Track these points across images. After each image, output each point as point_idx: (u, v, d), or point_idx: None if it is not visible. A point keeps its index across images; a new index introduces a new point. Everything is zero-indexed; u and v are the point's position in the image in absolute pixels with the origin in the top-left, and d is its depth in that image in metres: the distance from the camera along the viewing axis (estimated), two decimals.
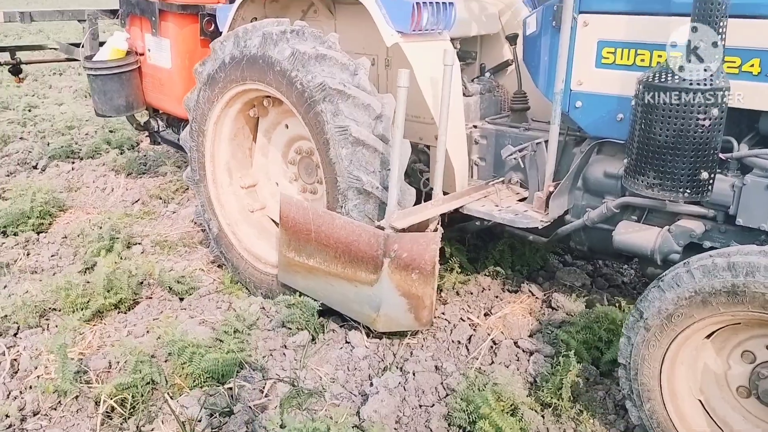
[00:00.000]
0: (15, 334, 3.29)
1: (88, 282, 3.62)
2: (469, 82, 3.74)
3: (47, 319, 3.42)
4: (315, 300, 3.26)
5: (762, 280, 2.05)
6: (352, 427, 2.62)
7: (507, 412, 2.67)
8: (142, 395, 2.76)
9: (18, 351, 3.11)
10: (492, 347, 3.24)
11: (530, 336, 3.34)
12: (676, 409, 2.40)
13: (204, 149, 3.78)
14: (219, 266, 4.09)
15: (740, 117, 2.64)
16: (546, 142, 3.17)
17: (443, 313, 3.44)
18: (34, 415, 2.69)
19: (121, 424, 2.65)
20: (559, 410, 2.79)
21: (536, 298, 3.69)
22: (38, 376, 2.89)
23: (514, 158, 3.24)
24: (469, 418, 2.65)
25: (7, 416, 2.65)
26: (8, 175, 5.87)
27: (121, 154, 6.45)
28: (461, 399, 2.73)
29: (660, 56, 2.68)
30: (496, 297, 3.68)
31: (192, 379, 2.91)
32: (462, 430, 2.66)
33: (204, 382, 2.92)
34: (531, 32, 3.17)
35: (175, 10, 4.30)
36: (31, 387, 2.85)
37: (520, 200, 3.30)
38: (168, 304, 3.64)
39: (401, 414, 2.74)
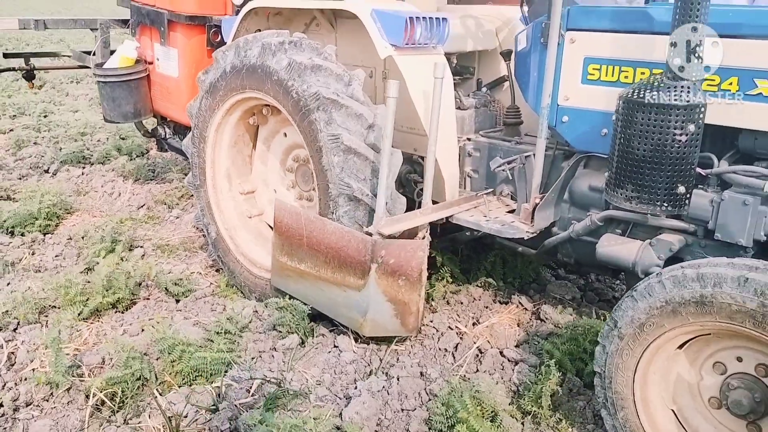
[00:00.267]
0: (14, 330, 3.39)
1: (88, 281, 3.73)
2: (464, 96, 3.82)
3: (46, 316, 3.52)
4: (305, 304, 3.33)
5: (729, 291, 2.10)
6: (333, 427, 2.69)
7: (487, 418, 2.72)
8: (132, 390, 2.84)
9: (16, 345, 3.21)
10: (477, 356, 3.29)
11: (516, 346, 3.39)
12: (648, 418, 2.44)
13: (205, 155, 3.89)
14: (216, 270, 4.18)
15: (720, 134, 2.71)
16: (535, 155, 3.24)
17: (431, 321, 3.50)
18: (27, 405, 2.78)
19: (109, 416, 2.74)
20: (538, 418, 2.84)
21: (525, 309, 3.74)
22: (33, 369, 2.98)
23: (503, 170, 3.31)
24: (447, 422, 2.70)
25: (0, 405, 2.75)
26: (20, 178, 6.03)
27: (131, 160, 6.59)
28: (441, 404, 2.78)
29: (643, 73, 2.75)
30: (486, 307, 3.74)
31: (181, 377, 3.00)
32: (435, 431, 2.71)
33: (193, 380, 3.00)
34: (521, 48, 3.25)
35: (183, 21, 4.43)
36: (25, 379, 2.94)
37: (509, 212, 3.37)
38: (164, 305, 3.73)
39: (382, 417, 2.79)
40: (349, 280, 3.11)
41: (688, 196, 2.55)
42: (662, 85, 2.45)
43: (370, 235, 3.02)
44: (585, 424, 2.83)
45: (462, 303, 3.74)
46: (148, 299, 3.80)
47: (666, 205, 2.55)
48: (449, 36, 3.50)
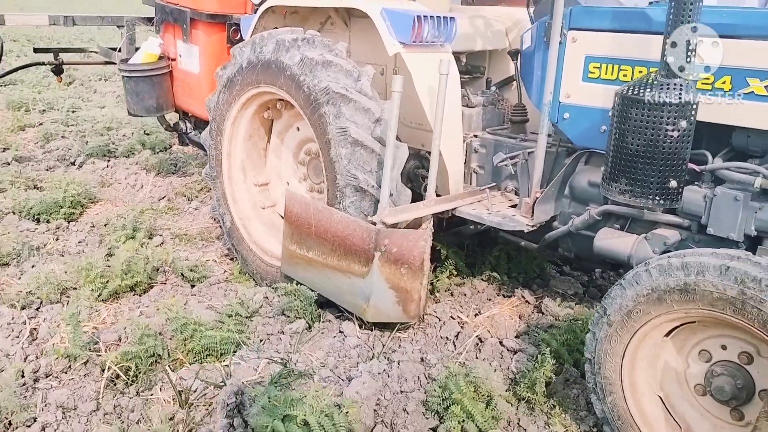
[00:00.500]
0: (37, 308, 3.57)
1: (108, 265, 3.90)
2: (473, 95, 3.93)
3: (68, 296, 3.70)
4: (312, 290, 3.47)
5: (711, 279, 2.19)
6: (333, 404, 2.81)
7: (482, 402, 2.82)
8: (145, 365, 2.99)
9: (38, 322, 3.39)
10: (477, 344, 3.39)
11: (516, 336, 3.48)
12: (636, 404, 2.53)
13: (221, 148, 4.05)
14: (231, 259, 4.34)
15: (714, 132, 2.79)
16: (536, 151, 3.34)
17: (434, 311, 3.61)
18: (47, 376, 2.95)
19: (122, 389, 2.89)
20: (532, 404, 2.94)
21: (527, 302, 3.83)
22: (53, 344, 3.15)
23: (506, 165, 3.41)
24: (443, 403, 2.81)
25: (22, 375, 2.92)
26: (47, 170, 6.25)
27: (154, 154, 6.79)
28: (438, 386, 2.89)
29: (641, 72, 2.84)
30: (489, 299, 3.84)
31: (192, 355, 3.14)
32: (436, 415, 2.82)
33: (203, 358, 3.15)
34: (526, 47, 3.36)
35: (205, 19, 4.60)
36: (46, 353, 3.11)
37: (512, 206, 3.47)
38: (180, 290, 3.89)
39: (382, 397, 2.91)
40: (354, 268, 3.24)
41: (679, 190, 2.63)
42: (656, 83, 2.54)
43: (374, 224, 3.14)
44: (578, 411, 2.92)
45: (465, 295, 3.85)
46: (165, 284, 3.97)
47: (658, 198, 2.63)
48: (458, 35, 3.62)
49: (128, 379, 2.93)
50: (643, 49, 2.82)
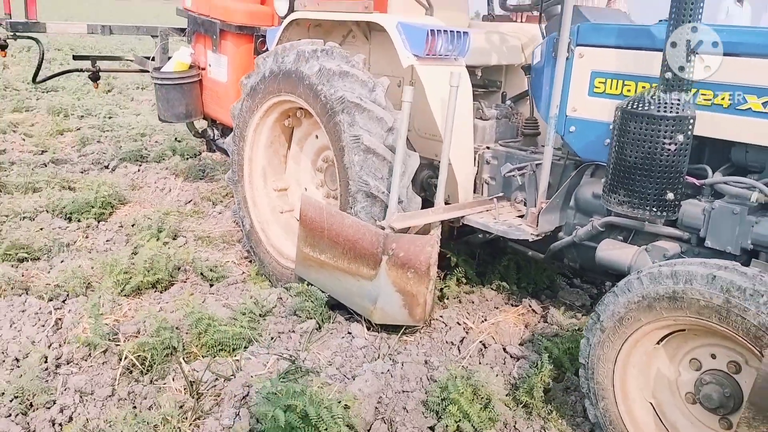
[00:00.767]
0: (63, 300, 3.76)
1: (133, 263, 4.08)
2: (487, 108, 4.03)
3: (93, 290, 3.88)
4: (323, 292, 3.59)
5: (698, 288, 2.25)
6: (335, 400, 2.92)
7: (480, 404, 2.91)
8: (160, 356, 3.14)
9: (63, 313, 3.57)
10: (481, 350, 3.47)
11: (521, 344, 3.56)
12: (627, 410, 2.59)
13: (243, 153, 4.22)
14: (249, 261, 4.49)
15: (715, 147, 2.85)
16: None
17: (441, 316, 3.71)
18: (68, 363, 3.12)
19: (137, 377, 3.05)
20: (530, 408, 3.01)
21: (534, 312, 3.90)
22: (76, 334, 3.32)
23: (514, 176, 3.51)
24: (442, 403, 2.90)
25: (45, 361, 3.09)
26: (82, 172, 6.51)
27: (184, 160, 7.03)
28: (438, 387, 2.98)
29: (644, 87, 2.92)
30: (496, 308, 3.92)
31: (206, 349, 3.29)
32: (435, 414, 2.91)
33: (216, 352, 3.29)
34: (536, 62, 3.46)
35: (234, 30, 4.80)
36: (68, 342, 3.28)
37: (519, 216, 3.56)
38: (199, 288, 4.05)
39: (383, 395, 3.01)
40: (363, 271, 3.36)
41: (677, 202, 2.70)
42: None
43: (383, 228, 3.26)
44: (575, 417, 2.98)
45: (473, 302, 3.94)
46: (185, 282, 4.13)
47: (655, 210, 2.70)
48: (474, 50, 3.75)
49: (143, 368, 3.09)
50: (647, 65, 2.90)
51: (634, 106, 2.66)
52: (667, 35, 2.56)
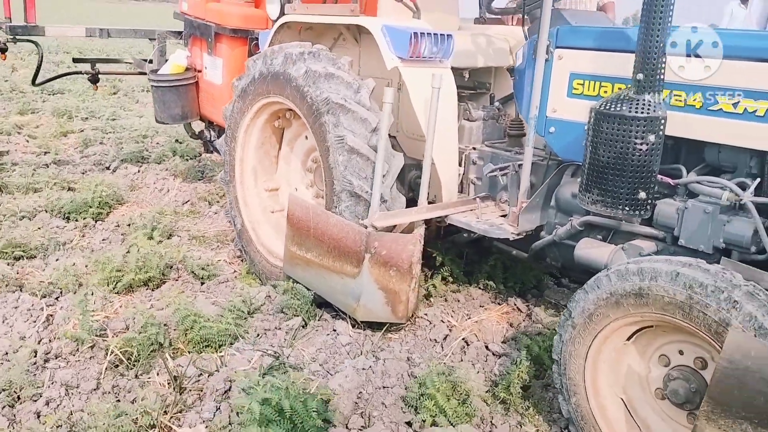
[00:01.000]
0: (56, 297, 3.84)
1: (126, 262, 4.16)
2: (474, 109, 4.08)
3: (86, 288, 3.96)
4: (308, 290, 3.66)
5: (663, 285, 2.30)
6: (312, 396, 2.98)
7: (458, 400, 2.95)
8: (146, 352, 3.21)
9: (55, 309, 3.65)
10: (464, 347, 3.52)
11: (503, 342, 3.60)
12: (598, 405, 2.64)
13: (235, 154, 4.29)
14: (241, 260, 4.56)
15: (689, 147, 2.90)
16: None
17: (426, 314, 3.76)
18: (56, 357, 3.19)
19: (123, 371, 3.12)
20: (508, 404, 3.05)
21: (519, 311, 3.95)
22: (66, 329, 3.40)
23: (497, 176, 3.56)
24: (420, 399, 2.95)
25: (35, 355, 3.17)
26: (83, 173, 6.61)
27: (184, 161, 7.11)
28: (417, 383, 3.04)
29: (620, 88, 2.96)
30: (481, 306, 3.97)
31: (192, 345, 3.35)
32: (413, 409, 2.96)
33: (202, 348, 3.35)
34: (519, 64, 3.51)
35: (228, 33, 4.88)
36: (58, 337, 3.36)
37: (502, 216, 3.60)
38: (190, 286, 4.12)
39: (363, 390, 3.06)
40: (346, 268, 3.41)
41: (649, 201, 2.74)
42: (626, 98, 2.67)
43: (366, 227, 3.32)
44: (551, 413, 3.03)
45: (459, 301, 3.99)
46: (177, 280, 4.20)
47: (628, 209, 2.74)
48: (461, 52, 3.81)
49: (129, 363, 3.16)
50: (623, 67, 2.93)
51: (607, 107, 2.71)
52: (638, 37, 2.61)
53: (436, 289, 4.03)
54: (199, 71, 5.36)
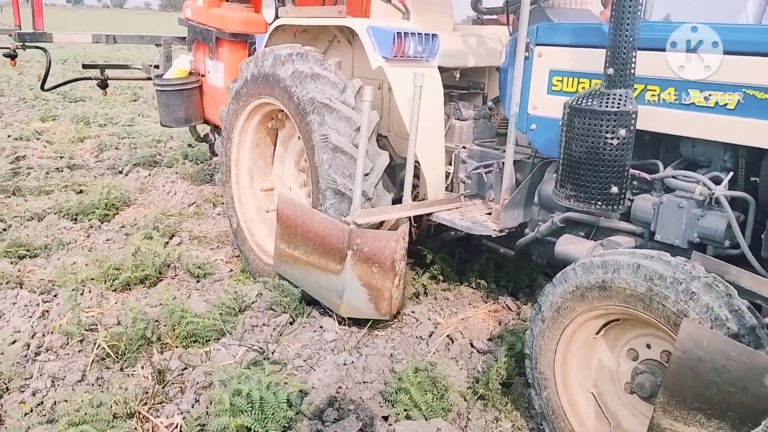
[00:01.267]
0: (55, 295, 3.94)
1: (123, 260, 4.26)
2: (465, 109, 4.11)
3: (84, 285, 4.06)
4: (295, 286, 3.71)
5: (624, 277, 2.30)
6: (298, 390, 3.03)
7: (435, 395, 2.97)
8: (134, 346, 3.29)
9: (51, 305, 3.75)
10: (448, 344, 3.54)
11: (489, 340, 3.61)
12: (568, 399, 2.63)
13: (231, 155, 4.37)
14: (239, 259, 4.63)
15: (666, 142, 2.89)
16: (515, 161, 3.51)
17: (413, 312, 3.78)
18: (47, 350, 3.29)
19: (109, 365, 3.19)
20: (487, 400, 3.06)
21: (509, 309, 3.95)
22: (60, 324, 3.50)
23: (481, 174, 3.58)
24: (396, 393, 2.98)
25: (28, 347, 3.27)
26: (96, 177, 6.77)
27: (194, 165, 7.25)
28: (396, 378, 3.06)
29: (597, 84, 2.96)
30: (470, 304, 3.98)
31: (179, 340, 3.43)
32: (390, 403, 2.98)
33: (189, 343, 3.42)
34: (503, 62, 3.53)
35: (228, 38, 4.98)
36: (51, 332, 3.45)
37: (488, 213, 3.61)
38: (185, 284, 4.21)
39: (343, 385, 3.10)
40: (330, 265, 3.46)
41: (621, 196, 2.73)
42: (597, 93, 2.68)
43: (348, 224, 3.36)
44: (529, 409, 3.02)
45: (448, 299, 4.00)
46: (174, 278, 4.30)
47: (600, 203, 2.74)
48: (451, 52, 3.85)
49: (116, 357, 3.24)
50: (599, 63, 2.92)
51: (579, 102, 2.72)
52: (609, 33, 2.61)
53: (425, 287, 4.05)
54: (203, 75, 5.47)
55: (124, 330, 3.33)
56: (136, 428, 2.72)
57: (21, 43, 5.30)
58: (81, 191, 6.08)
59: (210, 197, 6.09)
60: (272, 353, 3.37)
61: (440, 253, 4.22)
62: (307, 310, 3.80)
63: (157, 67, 5.80)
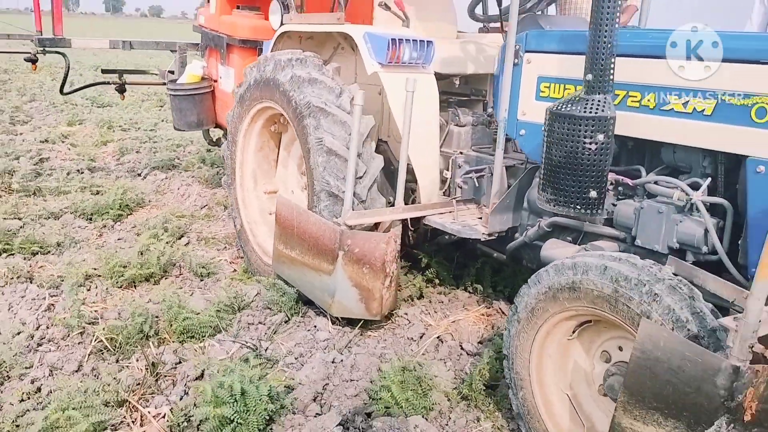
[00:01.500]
0: (62, 290, 4.09)
1: (129, 258, 4.40)
2: (463, 115, 4.17)
3: (91, 281, 4.21)
4: (290, 286, 3.80)
5: (593, 278, 2.34)
6: (284, 386, 3.11)
7: (419, 393, 3.03)
8: (132, 339, 3.41)
9: (58, 300, 3.90)
10: (438, 345, 3.59)
11: (479, 342, 3.65)
12: (544, 400, 2.67)
13: (236, 158, 4.49)
14: (243, 260, 4.74)
15: (648, 147, 2.92)
16: (508, 167, 3.57)
17: (406, 314, 3.85)
18: (49, 341, 3.43)
19: (106, 356, 3.32)
20: (470, 400, 3.11)
21: (503, 313, 3.98)
22: (63, 317, 3.64)
23: (472, 178, 3.64)
24: (380, 390, 3.04)
25: (31, 338, 3.41)
26: (114, 179, 6.97)
27: (210, 168, 7.40)
28: (382, 376, 3.12)
29: None
30: (464, 308, 4.02)
31: (176, 335, 3.54)
32: (373, 400, 3.04)
33: (186, 339, 3.53)
34: (496, 69, 3.59)
35: (238, 44, 5.12)
36: (55, 324, 3.60)
37: (480, 218, 3.67)
38: (188, 283, 4.33)
39: (329, 382, 3.17)
40: (323, 266, 3.54)
41: (601, 200, 2.77)
42: (577, 99, 2.72)
43: (340, 225, 3.44)
44: (511, 410, 3.05)
45: (442, 302, 4.06)
46: (178, 277, 4.42)
47: (579, 207, 2.78)
48: (449, 59, 3.93)
49: (113, 350, 3.36)
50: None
51: (559, 108, 2.76)
52: (588, 40, 2.66)
53: (421, 290, 4.10)
54: (215, 81, 5.61)
55: (122, 324, 3.44)
56: (125, 417, 2.82)
57: (41, 48, 5.51)
58: (98, 192, 6.26)
59: (222, 200, 6.22)
60: (265, 350, 3.46)
61: (437, 257, 4.28)
62: (303, 309, 3.88)
63: (172, 72, 5.97)
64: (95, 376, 3.14)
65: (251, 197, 4.55)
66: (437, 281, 4.20)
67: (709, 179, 2.66)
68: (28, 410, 2.80)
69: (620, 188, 3.00)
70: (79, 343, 3.41)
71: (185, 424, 2.78)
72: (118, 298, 4.03)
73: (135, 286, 4.25)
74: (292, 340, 3.60)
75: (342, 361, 3.34)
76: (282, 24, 4.35)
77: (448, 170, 3.99)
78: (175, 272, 4.46)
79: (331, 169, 3.56)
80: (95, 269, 4.32)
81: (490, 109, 4.39)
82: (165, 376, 3.19)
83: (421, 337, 3.66)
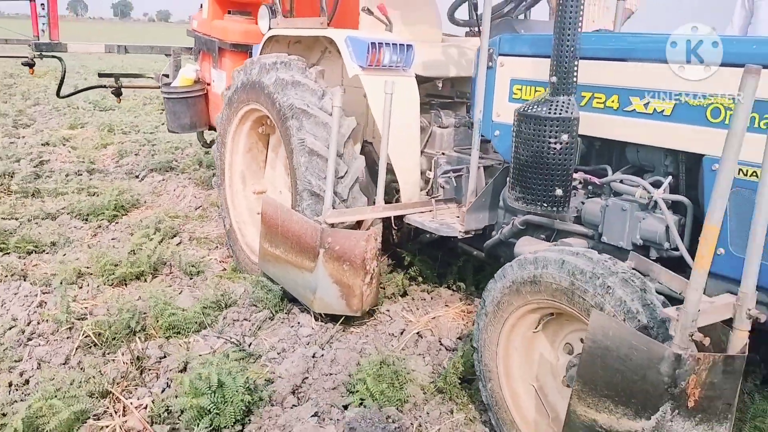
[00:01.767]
0: (55, 287, 4.21)
1: (120, 257, 4.51)
2: (446, 116, 4.27)
3: (83, 279, 4.32)
4: (274, 283, 3.90)
5: (552, 272, 2.43)
6: (265, 380, 3.21)
7: (395, 386, 3.12)
8: (120, 335, 3.52)
9: (49, 297, 4.01)
10: (417, 341, 3.68)
11: (458, 337, 3.74)
12: (511, 391, 2.76)
13: (225, 159, 4.61)
14: (233, 259, 4.85)
15: (614, 147, 3.01)
16: (486, 167, 3.67)
17: (388, 310, 3.94)
18: (38, 336, 3.54)
19: (93, 350, 3.42)
20: (446, 394, 3.20)
21: None
22: (53, 313, 3.75)
23: (450, 177, 3.73)
24: (356, 384, 3.13)
25: (22, 333, 3.53)
26: (112, 181, 7.10)
27: (207, 170, 7.53)
28: (359, 370, 3.22)
29: None
30: (446, 305, 4.11)
31: (162, 331, 3.64)
32: (349, 392, 3.14)
33: (172, 335, 3.64)
34: (473, 72, 3.68)
35: (230, 48, 5.24)
36: (46, 320, 3.71)
37: (458, 216, 3.76)
38: (178, 281, 4.44)
39: (308, 376, 3.27)
40: (305, 263, 3.64)
41: (566, 198, 2.86)
42: (543, 100, 2.82)
43: (320, 224, 3.54)
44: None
45: (424, 300, 4.15)
46: (168, 275, 4.53)
47: (545, 205, 2.87)
48: (431, 62, 4.02)
49: (101, 344, 3.47)
50: None
51: (526, 109, 2.86)
52: (552, 43, 2.75)
53: (404, 287, 4.20)
54: (208, 84, 5.73)
55: (110, 320, 3.55)
56: (107, 407, 2.93)
57: (38, 53, 5.64)
58: (95, 194, 6.39)
59: (216, 201, 6.31)
60: (248, 346, 3.56)
61: (420, 255, 4.37)
62: (288, 306, 3.98)
63: (167, 75, 6.09)
64: (81, 368, 3.25)
65: (240, 197, 4.66)
66: (420, 279, 4.29)
67: (671, 178, 2.75)
68: (15, 401, 2.91)
69: (589, 187, 3.09)
70: (67, 338, 3.53)
71: (165, 414, 2.88)
72: (108, 295, 4.14)
73: (126, 284, 4.36)
74: (275, 335, 3.70)
75: (322, 355, 3.43)
76: (270, 29, 4.45)
77: (431, 170, 4.09)
78: (165, 271, 4.57)
79: (313, 169, 3.66)
80: (87, 267, 4.43)
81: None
82: (149, 369, 3.30)
83: (401, 333, 3.75)
